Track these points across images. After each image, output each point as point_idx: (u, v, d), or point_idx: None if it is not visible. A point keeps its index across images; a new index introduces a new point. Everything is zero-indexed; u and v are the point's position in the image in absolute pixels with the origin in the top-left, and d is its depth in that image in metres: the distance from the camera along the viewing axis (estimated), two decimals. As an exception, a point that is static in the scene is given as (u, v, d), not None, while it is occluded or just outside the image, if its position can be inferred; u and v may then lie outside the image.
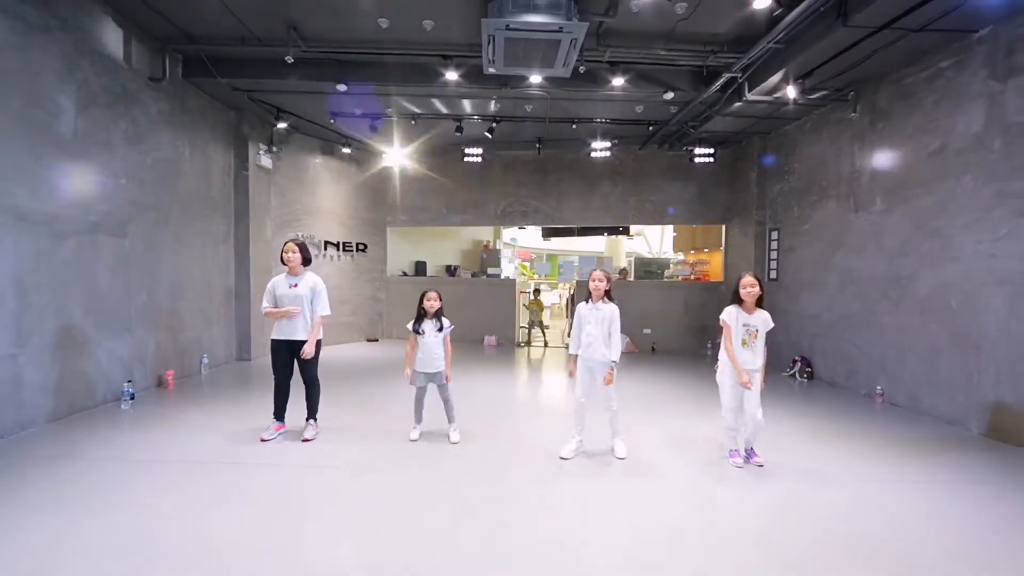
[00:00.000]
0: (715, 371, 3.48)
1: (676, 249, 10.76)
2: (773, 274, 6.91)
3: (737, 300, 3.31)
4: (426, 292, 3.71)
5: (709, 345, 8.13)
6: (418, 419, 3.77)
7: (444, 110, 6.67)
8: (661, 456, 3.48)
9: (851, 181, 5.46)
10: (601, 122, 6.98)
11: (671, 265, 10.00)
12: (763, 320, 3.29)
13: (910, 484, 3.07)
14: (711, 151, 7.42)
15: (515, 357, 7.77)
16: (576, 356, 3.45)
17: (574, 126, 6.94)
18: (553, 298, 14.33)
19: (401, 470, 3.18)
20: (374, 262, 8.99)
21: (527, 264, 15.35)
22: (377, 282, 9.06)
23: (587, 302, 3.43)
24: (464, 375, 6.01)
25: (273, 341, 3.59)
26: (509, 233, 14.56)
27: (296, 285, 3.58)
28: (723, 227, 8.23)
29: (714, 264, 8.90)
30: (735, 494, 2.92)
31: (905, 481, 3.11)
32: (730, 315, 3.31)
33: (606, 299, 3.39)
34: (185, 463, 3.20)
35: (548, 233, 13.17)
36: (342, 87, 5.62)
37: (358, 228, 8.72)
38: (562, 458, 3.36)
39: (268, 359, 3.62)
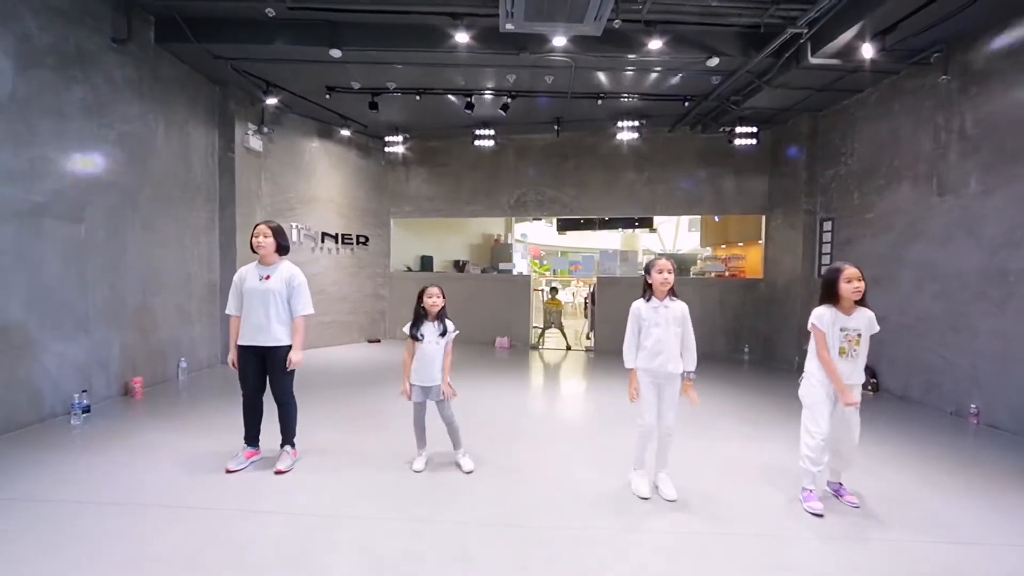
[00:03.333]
0: (798, 384, 2.72)
1: (704, 243, 9.90)
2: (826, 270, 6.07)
3: (831, 298, 2.56)
4: (426, 288, 3.00)
5: (746, 349, 7.31)
6: (421, 443, 3.07)
7: (453, 83, 5.93)
8: (724, 497, 2.72)
9: (933, 159, 4.62)
10: (629, 98, 6.18)
11: (698, 261, 9.17)
12: (867, 322, 2.54)
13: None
14: (753, 131, 6.58)
15: (531, 361, 7.03)
16: (634, 370, 2.71)
17: (599, 102, 6.16)
18: (566, 297, 13.58)
19: (397, 516, 2.45)
20: (376, 256, 8.29)
21: (537, 261, 14.59)
22: (379, 278, 8.35)
23: (647, 300, 2.69)
24: (474, 382, 5.28)
25: (239, 348, 2.88)
26: (519, 228, 13.81)
27: (268, 277, 2.87)
28: (763, 218, 7.38)
29: (750, 259, 8.06)
30: (830, 552, 2.18)
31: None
32: (822, 318, 2.57)
33: (672, 296, 2.68)
34: (119, 506, 2.50)
35: (564, 226, 12.40)
36: (336, 53, 4.90)
37: (358, 219, 8.01)
38: (643, 498, 2.67)
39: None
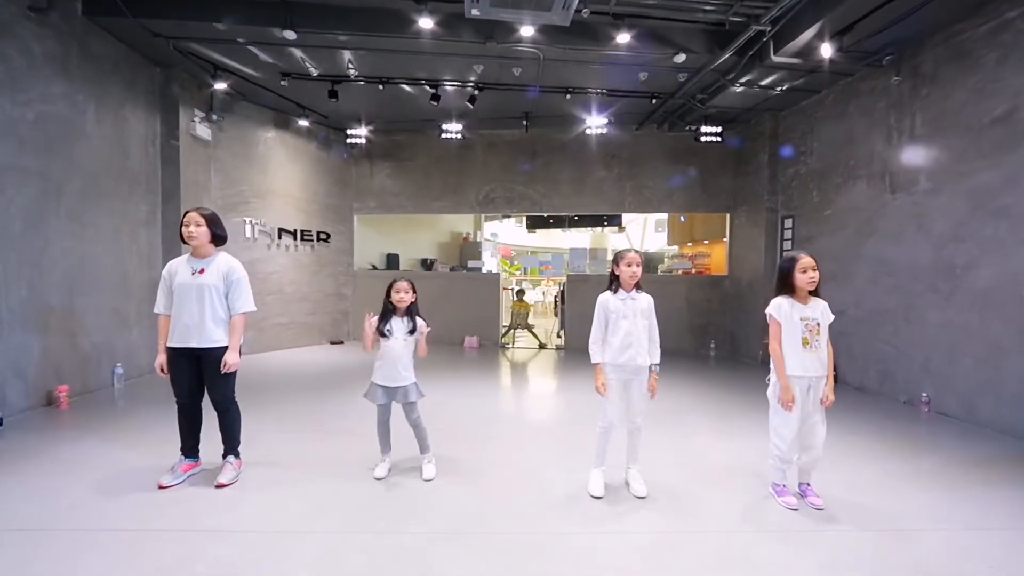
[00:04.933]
0: (765, 383, 2.69)
1: (671, 242, 10.05)
2: (786, 266, 6.23)
3: (786, 288, 2.53)
4: (394, 282, 2.80)
5: (713, 345, 7.44)
6: (385, 448, 2.87)
7: (418, 73, 5.71)
8: (694, 493, 2.67)
9: (886, 159, 4.79)
10: (598, 93, 6.15)
11: (665, 259, 9.29)
12: (823, 311, 2.52)
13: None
14: (718, 130, 6.69)
15: (500, 360, 6.88)
16: (599, 365, 2.62)
17: (568, 96, 6.09)
18: (536, 296, 13.51)
19: (354, 530, 2.25)
20: (338, 254, 7.93)
21: (508, 261, 14.47)
22: (342, 277, 7.99)
23: (614, 292, 2.61)
24: (442, 383, 5.07)
25: (169, 350, 2.59)
26: (489, 227, 13.63)
27: (202, 271, 2.60)
28: (727, 216, 7.53)
29: (715, 256, 8.22)
30: (799, 548, 2.13)
31: (1014, 528, 2.38)
32: (780, 308, 2.52)
33: (638, 288, 2.62)
34: (27, 532, 2.17)
35: (534, 224, 12.34)
36: (290, 34, 4.60)
37: (319, 214, 7.64)
38: (595, 497, 2.57)
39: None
